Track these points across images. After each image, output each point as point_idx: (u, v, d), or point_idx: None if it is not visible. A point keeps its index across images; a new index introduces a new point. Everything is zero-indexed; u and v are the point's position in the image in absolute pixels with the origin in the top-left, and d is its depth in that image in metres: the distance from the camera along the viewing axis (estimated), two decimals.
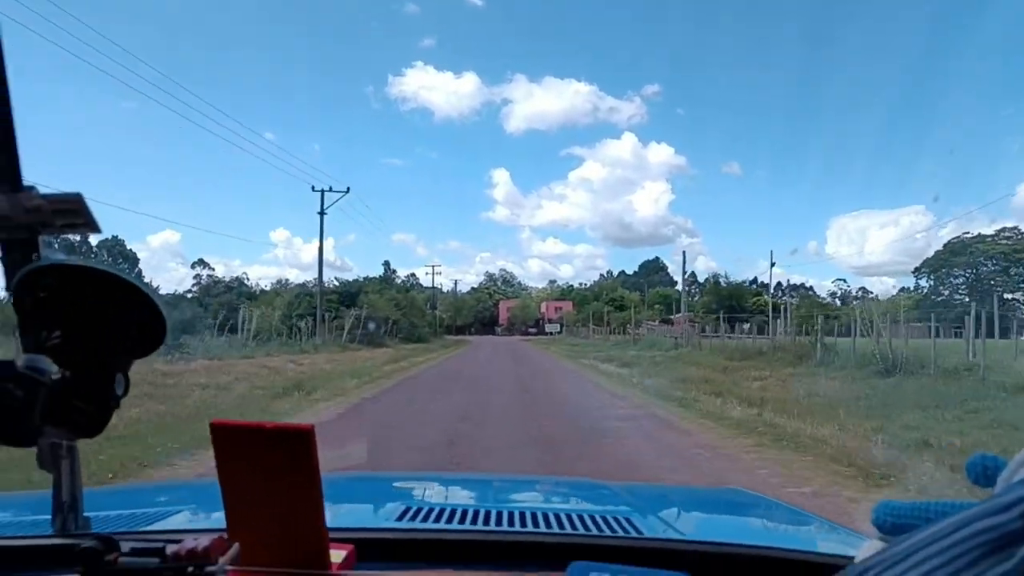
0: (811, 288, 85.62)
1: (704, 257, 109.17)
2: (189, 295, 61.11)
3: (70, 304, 0.68)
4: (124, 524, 1.13)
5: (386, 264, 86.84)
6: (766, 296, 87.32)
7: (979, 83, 73.46)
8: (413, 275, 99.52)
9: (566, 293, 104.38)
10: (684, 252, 47.61)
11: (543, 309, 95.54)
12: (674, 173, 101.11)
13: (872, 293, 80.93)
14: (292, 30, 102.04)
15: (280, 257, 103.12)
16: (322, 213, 33.79)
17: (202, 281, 74.00)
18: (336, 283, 46.59)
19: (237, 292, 61.93)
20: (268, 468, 0.67)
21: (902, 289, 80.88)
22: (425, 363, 25.75)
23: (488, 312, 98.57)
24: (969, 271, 66.60)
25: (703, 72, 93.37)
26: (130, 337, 0.72)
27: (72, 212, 0.66)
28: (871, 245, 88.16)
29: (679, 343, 31.71)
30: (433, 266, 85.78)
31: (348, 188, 34.80)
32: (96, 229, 0.69)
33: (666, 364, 21.90)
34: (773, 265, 40.61)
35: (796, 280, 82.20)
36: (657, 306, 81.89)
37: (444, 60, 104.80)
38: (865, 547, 0.45)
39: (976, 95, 78.14)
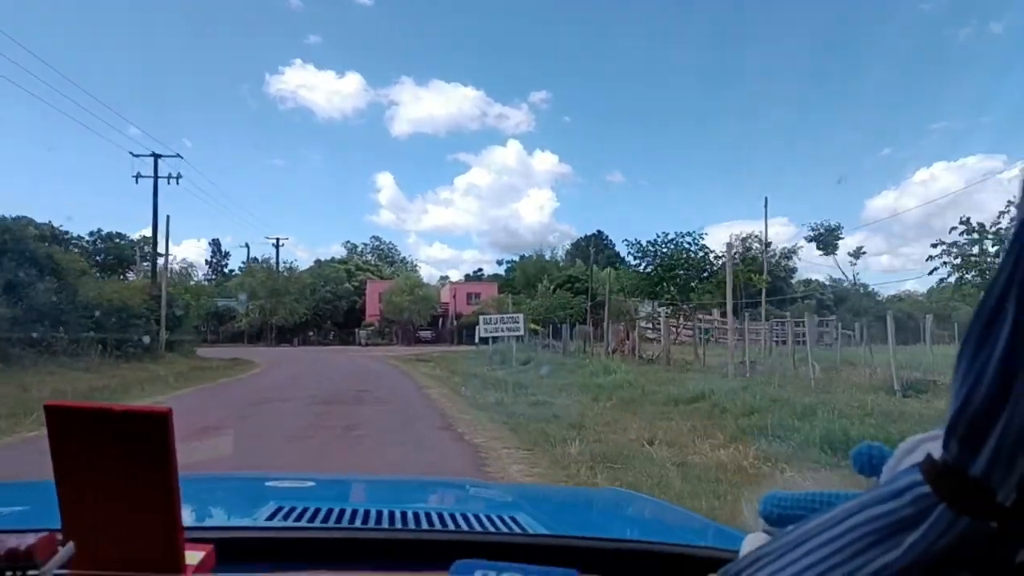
0: None
1: None
2: None
3: None
4: None
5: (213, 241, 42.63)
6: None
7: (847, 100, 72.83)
8: (256, 259, 56.73)
9: (475, 278, 65.86)
10: None
11: (448, 297, 54.76)
12: (559, 181, 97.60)
13: None
14: (160, 20, 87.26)
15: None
16: None
17: None
18: None
19: None
20: (115, 457, 0.57)
21: None
22: None
23: (346, 301, 55.30)
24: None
25: (590, 81, 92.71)
26: None
27: None
28: None
29: None
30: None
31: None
32: None
33: None
34: None
35: None
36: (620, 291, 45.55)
37: (326, 59, 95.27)
38: (749, 539, 0.43)
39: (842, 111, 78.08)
